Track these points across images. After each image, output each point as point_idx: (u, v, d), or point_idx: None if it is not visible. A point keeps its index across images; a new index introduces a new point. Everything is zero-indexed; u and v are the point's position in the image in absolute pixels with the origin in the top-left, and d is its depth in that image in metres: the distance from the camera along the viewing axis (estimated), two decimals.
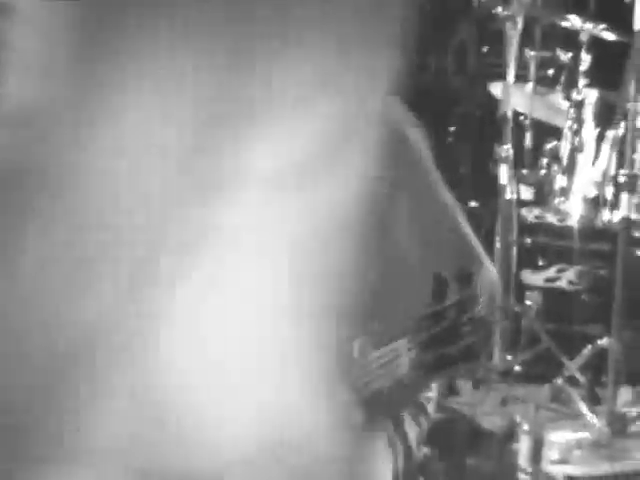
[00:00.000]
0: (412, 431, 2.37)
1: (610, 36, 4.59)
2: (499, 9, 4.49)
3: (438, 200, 2.14)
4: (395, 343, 1.91)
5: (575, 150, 4.39)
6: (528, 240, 4.77)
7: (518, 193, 4.58)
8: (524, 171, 4.71)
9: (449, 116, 6.17)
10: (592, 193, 4.31)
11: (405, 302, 2.36)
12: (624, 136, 4.14)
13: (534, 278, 4.79)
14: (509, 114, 4.46)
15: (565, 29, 4.81)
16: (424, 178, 2.15)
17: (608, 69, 4.53)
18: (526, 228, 4.73)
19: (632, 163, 4.08)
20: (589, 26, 4.59)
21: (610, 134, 4.23)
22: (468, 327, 1.76)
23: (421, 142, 2.22)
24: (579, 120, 4.40)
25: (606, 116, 4.31)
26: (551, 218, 4.60)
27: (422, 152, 2.20)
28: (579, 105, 4.41)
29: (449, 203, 2.15)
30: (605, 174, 4.24)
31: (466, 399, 4.30)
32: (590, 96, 4.40)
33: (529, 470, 3.56)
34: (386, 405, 2.06)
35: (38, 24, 0.80)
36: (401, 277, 2.31)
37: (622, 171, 4.09)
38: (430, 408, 2.44)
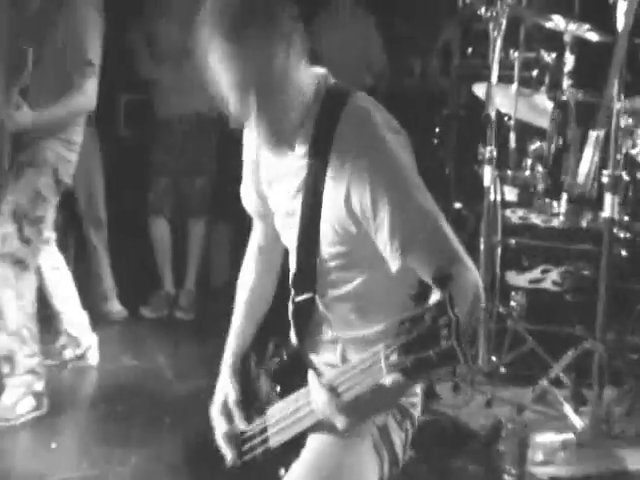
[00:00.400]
0: (397, 438, 2.37)
1: (594, 37, 4.60)
2: (483, 10, 4.48)
3: (418, 204, 2.13)
4: (374, 348, 1.91)
5: (559, 151, 4.39)
6: (512, 241, 4.77)
7: (502, 194, 4.58)
8: (508, 172, 4.71)
9: (434, 117, 6.17)
10: (576, 194, 4.31)
11: (387, 306, 2.36)
12: (607, 136, 4.13)
13: (518, 279, 4.79)
14: (492, 115, 4.45)
15: (549, 30, 4.81)
16: (403, 183, 2.15)
17: (592, 70, 4.53)
18: (510, 229, 4.73)
19: (616, 163, 4.08)
20: (573, 27, 4.59)
21: (594, 135, 4.22)
22: (446, 330, 1.75)
23: (405, 148, 2.21)
24: (563, 121, 4.40)
25: (590, 117, 4.31)
26: (535, 219, 4.60)
27: (406, 158, 2.20)
28: (563, 106, 4.41)
29: (429, 207, 2.14)
30: (589, 175, 4.23)
31: (451, 401, 4.30)
32: (574, 97, 4.40)
33: (514, 472, 3.56)
34: (367, 409, 2.06)
35: None
36: (382, 281, 2.31)
37: (606, 171, 4.08)
38: (415, 413, 2.43)
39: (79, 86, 4.48)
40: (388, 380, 1.86)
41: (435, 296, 1.86)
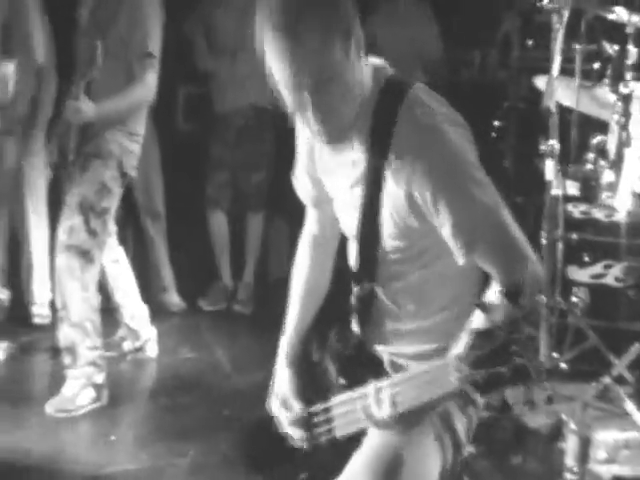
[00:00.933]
0: (460, 424, 2.35)
1: None
2: (545, 1, 4.42)
3: (481, 200, 2.11)
4: (444, 359, 1.90)
5: (622, 144, 4.32)
6: (574, 236, 4.70)
7: (564, 188, 4.52)
8: (570, 166, 4.64)
9: (493, 110, 6.12)
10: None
11: (449, 298, 2.34)
12: None
13: (580, 274, 4.72)
14: (554, 108, 4.40)
15: (611, 22, 4.73)
16: (465, 179, 2.12)
17: None
18: (572, 224, 4.67)
19: None
20: (636, 18, 4.52)
21: None
22: (519, 347, 1.74)
23: (467, 142, 2.19)
24: (626, 114, 4.33)
25: None
26: (598, 214, 4.53)
27: (467, 152, 2.17)
28: (626, 99, 4.34)
29: (492, 202, 2.12)
30: None
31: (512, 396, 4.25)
32: (637, 89, 4.33)
33: (575, 470, 3.51)
34: (425, 412, 2.07)
35: None
36: (445, 273, 2.29)
37: None
38: (478, 399, 2.40)
39: (139, 78, 4.51)
40: (458, 391, 1.86)
41: (495, 293, 1.84)
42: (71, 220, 4.50)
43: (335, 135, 2.19)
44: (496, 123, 6.03)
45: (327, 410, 2.37)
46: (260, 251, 6.45)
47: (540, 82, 4.79)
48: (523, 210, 5.10)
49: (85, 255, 4.50)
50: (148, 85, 4.56)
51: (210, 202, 6.27)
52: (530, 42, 6.04)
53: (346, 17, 2.10)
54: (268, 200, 6.32)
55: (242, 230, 6.38)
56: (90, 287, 4.55)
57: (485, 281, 2.21)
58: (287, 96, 2.14)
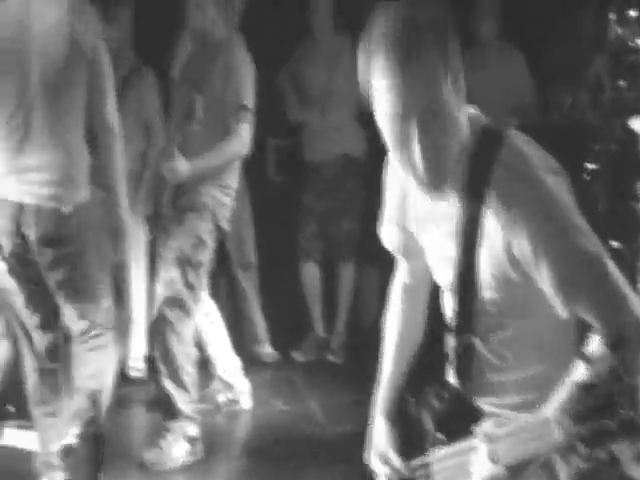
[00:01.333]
0: (564, 473, 2.28)
1: None
2: (638, 42, 4.36)
3: (582, 249, 2.05)
4: (546, 413, 1.84)
5: None
6: None
7: None
8: None
9: (586, 152, 6.03)
10: None
11: (548, 350, 2.28)
12: None
13: None
14: None
15: None
16: (565, 228, 2.07)
17: None
18: None
19: None
20: None
21: None
22: (624, 398, 1.67)
23: (565, 190, 2.14)
24: None
25: None
26: None
27: (567, 200, 2.12)
28: None
29: (594, 251, 2.06)
30: None
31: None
32: None
33: None
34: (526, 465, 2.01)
35: None
36: (544, 325, 2.24)
37: None
38: (581, 447, 2.33)
39: (234, 131, 4.54)
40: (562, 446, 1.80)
41: (600, 346, 1.79)
42: (169, 274, 4.54)
43: (434, 177, 2.14)
44: (589, 165, 5.93)
45: (426, 466, 2.33)
46: (352, 300, 6.42)
47: (636, 124, 4.71)
48: (619, 254, 4.99)
49: (182, 308, 4.54)
50: (243, 138, 4.59)
51: (302, 253, 6.27)
52: (622, 82, 5.95)
53: (454, 53, 2.11)
54: (358, 249, 6.31)
55: (333, 280, 6.36)
56: (187, 340, 4.57)
57: (585, 330, 2.14)
58: (392, 130, 2.10)
